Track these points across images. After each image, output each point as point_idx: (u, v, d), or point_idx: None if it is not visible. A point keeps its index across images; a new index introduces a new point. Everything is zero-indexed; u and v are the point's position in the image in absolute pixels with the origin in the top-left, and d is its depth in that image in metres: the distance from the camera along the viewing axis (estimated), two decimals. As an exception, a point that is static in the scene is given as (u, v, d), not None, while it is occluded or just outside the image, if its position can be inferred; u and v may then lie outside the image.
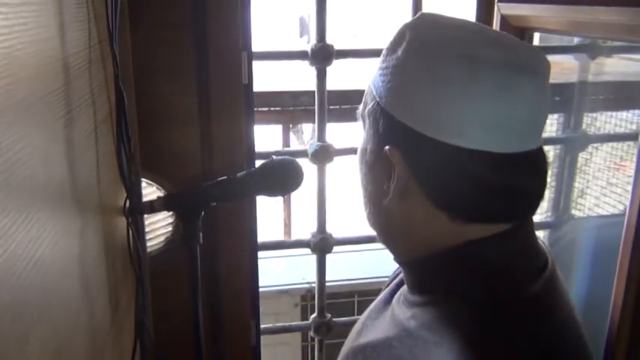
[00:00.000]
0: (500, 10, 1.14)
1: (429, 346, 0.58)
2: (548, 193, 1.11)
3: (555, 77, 1.23)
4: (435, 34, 0.61)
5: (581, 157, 1.22)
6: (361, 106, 0.69)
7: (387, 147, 0.61)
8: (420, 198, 0.61)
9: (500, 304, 0.59)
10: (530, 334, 0.58)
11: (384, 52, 0.65)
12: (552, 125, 1.21)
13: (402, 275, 0.74)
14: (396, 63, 0.62)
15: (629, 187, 0.77)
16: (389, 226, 0.68)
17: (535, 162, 0.61)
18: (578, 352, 0.63)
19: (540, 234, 1.26)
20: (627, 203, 0.78)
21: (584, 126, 1.23)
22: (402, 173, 0.61)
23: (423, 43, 0.60)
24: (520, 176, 0.60)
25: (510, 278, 0.62)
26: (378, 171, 0.65)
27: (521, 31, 1.13)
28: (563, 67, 1.24)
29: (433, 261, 0.64)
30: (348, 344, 0.75)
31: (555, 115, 1.19)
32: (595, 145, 1.22)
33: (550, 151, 1.20)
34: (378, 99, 0.63)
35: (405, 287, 0.70)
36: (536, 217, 1.25)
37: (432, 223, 0.62)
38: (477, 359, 0.55)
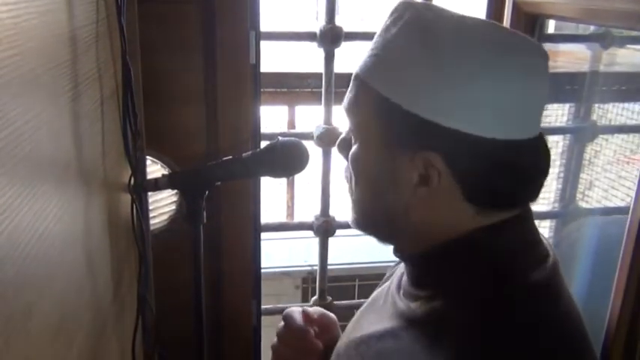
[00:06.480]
0: (513, -5, 1.12)
1: (431, 339, 0.58)
2: (555, 184, 1.11)
3: (567, 66, 1.22)
4: (436, 19, 0.59)
5: (591, 148, 1.20)
6: (349, 99, 0.65)
7: (426, 152, 0.59)
8: (453, 194, 0.60)
9: (505, 300, 0.59)
10: (533, 339, 0.57)
11: (376, 35, 0.64)
12: (563, 115, 1.20)
13: (400, 269, 0.74)
14: (391, 44, 0.61)
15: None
16: (396, 219, 0.64)
17: (540, 147, 0.62)
18: (585, 353, 0.61)
19: (547, 224, 1.25)
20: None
21: (594, 117, 1.22)
22: (440, 172, 0.59)
23: (424, 28, 0.58)
24: (531, 160, 0.61)
25: (514, 269, 0.61)
26: (398, 168, 0.61)
27: (533, 18, 1.11)
28: (575, 57, 1.22)
29: (437, 254, 0.63)
30: (344, 338, 0.73)
31: (566, 105, 1.18)
32: (605, 136, 1.21)
33: (559, 142, 1.19)
34: (380, 91, 0.60)
35: (405, 279, 0.68)
36: (543, 207, 1.25)
37: (455, 214, 0.61)
38: (476, 356, 0.55)
